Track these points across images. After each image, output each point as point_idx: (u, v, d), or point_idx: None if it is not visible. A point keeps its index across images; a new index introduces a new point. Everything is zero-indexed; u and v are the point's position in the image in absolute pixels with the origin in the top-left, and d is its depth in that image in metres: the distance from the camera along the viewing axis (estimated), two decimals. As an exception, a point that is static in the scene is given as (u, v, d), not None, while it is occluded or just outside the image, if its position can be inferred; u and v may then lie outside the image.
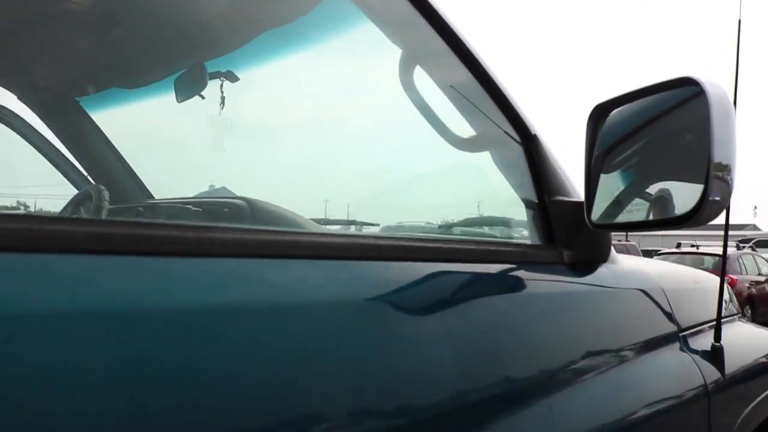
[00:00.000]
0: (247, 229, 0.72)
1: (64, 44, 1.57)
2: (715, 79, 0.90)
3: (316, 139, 1.35)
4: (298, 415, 0.60)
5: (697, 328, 1.48)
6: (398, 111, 1.18)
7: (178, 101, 1.63)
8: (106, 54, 1.61)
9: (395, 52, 1.13)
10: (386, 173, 1.21)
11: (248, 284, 0.63)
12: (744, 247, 16.23)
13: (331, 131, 1.33)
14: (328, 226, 1.46)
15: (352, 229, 1.30)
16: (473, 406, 0.81)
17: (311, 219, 1.57)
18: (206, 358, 0.55)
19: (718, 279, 1.86)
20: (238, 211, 1.56)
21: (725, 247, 1.51)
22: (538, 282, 1.03)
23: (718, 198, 0.89)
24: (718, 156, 0.87)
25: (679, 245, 14.68)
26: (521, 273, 1.00)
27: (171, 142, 1.67)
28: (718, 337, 1.45)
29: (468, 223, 1.21)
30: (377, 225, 1.27)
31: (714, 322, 1.58)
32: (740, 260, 11.86)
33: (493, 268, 0.97)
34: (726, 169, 0.87)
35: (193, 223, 0.63)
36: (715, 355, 1.43)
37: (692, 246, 13.56)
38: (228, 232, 0.66)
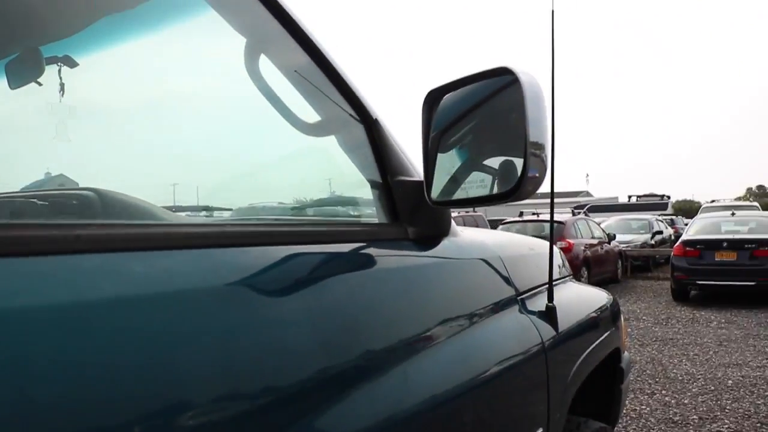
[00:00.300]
0: (101, 224, 0.71)
1: None
2: (529, 69, 1.01)
3: (164, 126, 1.34)
4: (167, 403, 0.62)
5: (532, 291, 1.63)
6: (246, 98, 1.20)
7: (11, 88, 1.55)
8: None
9: (241, 41, 1.15)
10: (237, 159, 1.23)
11: (107, 279, 0.64)
12: (579, 213, 17.58)
13: (179, 117, 1.32)
14: (181, 214, 1.46)
15: (205, 216, 1.30)
16: (336, 379, 0.85)
17: (163, 207, 1.55)
18: (67, 356, 0.55)
19: (546, 245, 2.04)
20: (87, 202, 1.50)
21: (552, 214, 1.67)
22: (387, 258, 1.10)
23: (536, 174, 1.00)
24: (533, 135, 0.97)
25: (521, 214, 15.73)
26: (371, 251, 1.07)
27: (6, 132, 1.57)
28: (551, 297, 1.60)
29: (318, 204, 1.26)
30: (230, 209, 1.29)
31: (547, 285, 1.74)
32: (575, 225, 12.79)
33: (345, 247, 1.03)
34: (541, 147, 0.98)
35: (50, 221, 0.62)
36: (550, 314, 1.59)
37: (533, 214, 14.50)
38: (79, 229, 0.66)
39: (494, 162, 1.12)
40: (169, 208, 1.50)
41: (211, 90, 1.22)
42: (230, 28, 1.13)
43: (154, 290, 0.67)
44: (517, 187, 0.99)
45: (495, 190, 1.07)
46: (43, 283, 0.58)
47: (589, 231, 13.37)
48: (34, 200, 1.54)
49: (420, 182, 1.18)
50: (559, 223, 12.01)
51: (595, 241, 13.15)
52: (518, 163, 1.04)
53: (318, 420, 0.79)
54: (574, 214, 15.51)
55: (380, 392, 0.92)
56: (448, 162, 1.16)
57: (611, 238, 14.11)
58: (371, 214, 1.23)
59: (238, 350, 0.72)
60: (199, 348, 0.67)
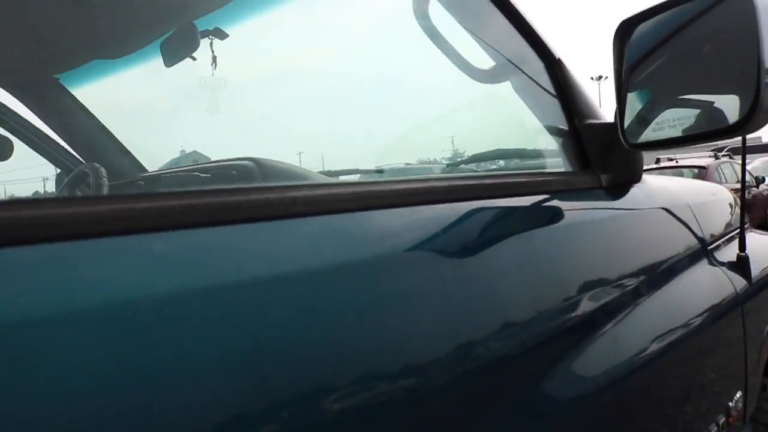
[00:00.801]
0: (258, 188, 0.65)
1: (36, 17, 1.48)
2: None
3: (322, 84, 1.29)
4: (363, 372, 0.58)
5: (720, 241, 1.48)
6: (412, 44, 1.13)
7: (166, 66, 1.56)
8: (83, 22, 1.52)
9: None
10: (404, 112, 1.17)
11: (277, 247, 0.59)
12: (721, 156, 16.11)
13: (337, 72, 1.27)
14: (347, 177, 1.42)
15: (376, 177, 1.26)
16: (545, 338, 0.79)
17: (323, 172, 1.53)
18: (250, 329, 0.50)
19: (727, 191, 1.86)
20: (246, 171, 1.50)
21: (744, 157, 1.50)
22: (582, 209, 1.01)
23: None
24: (768, 62, 0.83)
25: (657, 161, 14.50)
26: (563, 201, 0.98)
27: (164, 110, 1.60)
28: (742, 246, 1.45)
29: (498, 155, 1.18)
30: (401, 167, 1.23)
31: (733, 233, 1.58)
32: (719, 170, 11.74)
33: (535, 199, 0.94)
34: (773, 74, 0.84)
35: (213, 187, 0.58)
36: (742, 264, 1.44)
37: (669, 159, 13.38)
38: (236, 194, 0.61)
39: (703, 96, 0.99)
40: (331, 173, 1.48)
41: (373, 38, 1.16)
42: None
43: (373, 250, 0.62)
44: (747, 119, 0.86)
45: (713, 126, 0.94)
46: (275, 246, 0.55)
47: (734, 175, 12.24)
48: (197, 173, 1.56)
49: (611, 124, 1.07)
50: (701, 168, 11.07)
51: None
52: (734, 98, 0.91)
53: (533, 372, 0.73)
54: (717, 158, 14.06)
55: (591, 356, 0.85)
56: (643, 100, 1.04)
57: (759, 181, 12.78)
58: (557, 163, 1.13)
59: (458, 307, 0.69)
60: (380, 316, 0.61)
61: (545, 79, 1.07)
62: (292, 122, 1.40)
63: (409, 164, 1.33)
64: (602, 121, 1.08)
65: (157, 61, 1.56)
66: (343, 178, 1.56)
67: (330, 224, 0.63)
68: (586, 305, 0.89)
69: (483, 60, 1.10)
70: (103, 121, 1.85)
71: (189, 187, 0.57)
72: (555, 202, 0.97)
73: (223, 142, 1.68)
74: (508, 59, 1.09)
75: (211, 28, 1.52)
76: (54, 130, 1.79)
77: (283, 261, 0.55)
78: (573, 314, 0.86)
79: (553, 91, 1.07)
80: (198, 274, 0.49)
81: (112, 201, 0.50)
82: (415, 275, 0.66)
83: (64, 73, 1.75)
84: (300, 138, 1.40)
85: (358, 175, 1.49)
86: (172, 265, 0.49)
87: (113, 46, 1.63)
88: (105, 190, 1.47)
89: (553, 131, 1.11)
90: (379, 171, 1.46)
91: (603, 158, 1.07)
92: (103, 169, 1.50)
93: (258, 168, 1.48)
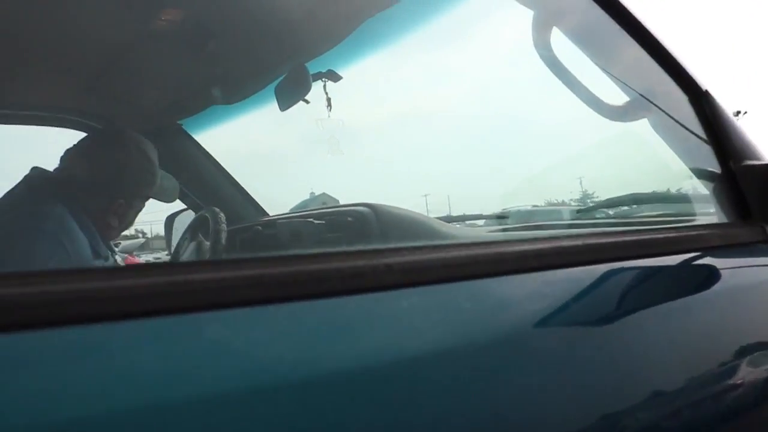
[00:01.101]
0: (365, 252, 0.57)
1: (159, 68, 1.52)
2: None
3: (442, 126, 1.21)
4: None
5: None
6: (534, 82, 1.02)
7: (281, 110, 1.54)
8: (202, 70, 1.54)
9: (525, 15, 0.98)
10: (529, 152, 1.06)
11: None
12: None
13: (452, 115, 1.19)
14: (469, 227, 1.34)
15: (493, 224, 1.15)
16: (706, 419, 0.66)
17: (445, 218, 1.45)
18: None
19: None
20: (361, 218, 1.45)
21: None
22: (742, 268, 0.85)
23: None
24: None
25: None
26: (720, 259, 0.83)
27: (280, 154, 1.58)
28: None
29: (635, 200, 1.03)
30: (527, 209, 1.12)
31: None
32: None
33: (685, 257, 0.80)
34: None
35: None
36: None
37: None
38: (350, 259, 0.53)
39: None
40: (447, 219, 1.39)
41: (491, 76, 1.06)
42: (512, 1, 0.97)
43: (506, 318, 0.57)
44: None
45: None
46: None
47: None
48: (311, 219, 1.53)
49: (776, 166, 0.90)
50: None
51: None
52: None
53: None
54: None
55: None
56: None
57: None
58: (707, 211, 0.97)
59: (599, 382, 0.59)
60: (557, 379, 0.55)
61: (690, 115, 0.92)
62: (412, 165, 1.33)
63: (536, 206, 1.21)
64: (765, 163, 0.91)
65: (272, 105, 1.54)
66: (464, 226, 1.47)
67: (452, 292, 0.55)
68: (749, 382, 0.74)
69: (614, 95, 0.97)
70: (224, 165, 1.88)
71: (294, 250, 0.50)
72: (709, 260, 0.82)
73: (341, 185, 1.64)
74: (644, 93, 0.95)
75: (323, 71, 1.49)
76: (176, 176, 1.83)
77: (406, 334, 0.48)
78: (734, 393, 0.72)
79: (700, 128, 0.92)
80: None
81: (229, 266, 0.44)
82: (551, 346, 0.57)
83: (187, 119, 1.79)
84: (422, 180, 1.32)
85: (482, 222, 1.39)
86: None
87: (231, 91, 1.64)
88: (223, 236, 1.47)
89: (702, 175, 0.95)
90: (504, 216, 1.36)
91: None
92: (222, 215, 1.50)
93: (374, 214, 1.42)
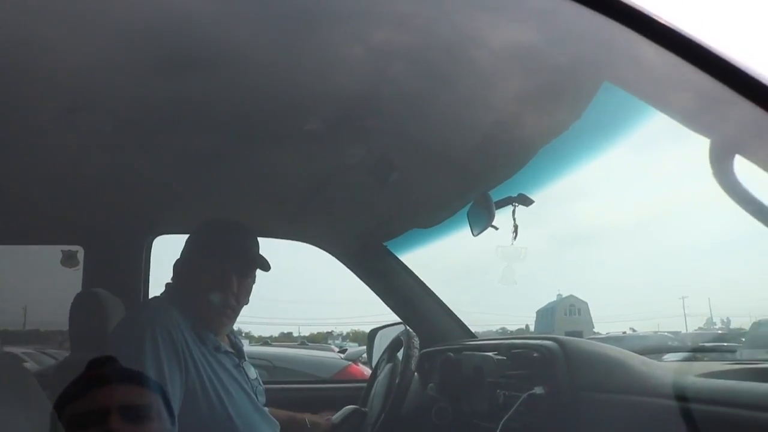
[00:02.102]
0: None
1: (360, 198, 1.60)
2: None
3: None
4: None
5: None
6: (720, 215, 0.86)
7: (474, 235, 1.51)
8: (400, 199, 1.59)
9: (700, 144, 0.84)
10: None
11: None
12: None
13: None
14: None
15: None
16: None
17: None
18: None
19: None
20: (548, 354, 1.33)
21: None
22: None
23: None
24: None
25: None
26: None
27: (471, 270, 1.54)
28: None
29: None
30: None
31: None
32: None
33: None
34: None
35: None
36: None
37: None
38: None
39: None
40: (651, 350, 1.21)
41: (672, 207, 0.91)
42: (686, 130, 0.85)
43: None
44: None
45: None
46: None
47: None
48: (491, 355, 1.44)
49: None
50: None
51: None
52: None
53: None
54: None
55: None
56: None
57: None
58: None
59: None
60: None
61: None
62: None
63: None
64: None
65: (465, 229, 1.52)
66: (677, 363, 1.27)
67: None
68: None
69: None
70: (427, 284, 1.89)
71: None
72: None
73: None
74: None
75: (515, 195, 1.44)
76: (379, 294, 1.88)
77: None
78: None
79: None
80: None
81: None
82: None
83: (390, 241, 1.85)
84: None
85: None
86: None
87: (425, 216, 1.67)
88: (414, 362, 1.45)
89: None
90: (731, 350, 1.15)
91: None
92: (416, 339, 1.49)
93: (561, 350, 1.30)
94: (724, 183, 0.83)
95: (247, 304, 1.34)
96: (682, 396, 1.03)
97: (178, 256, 1.34)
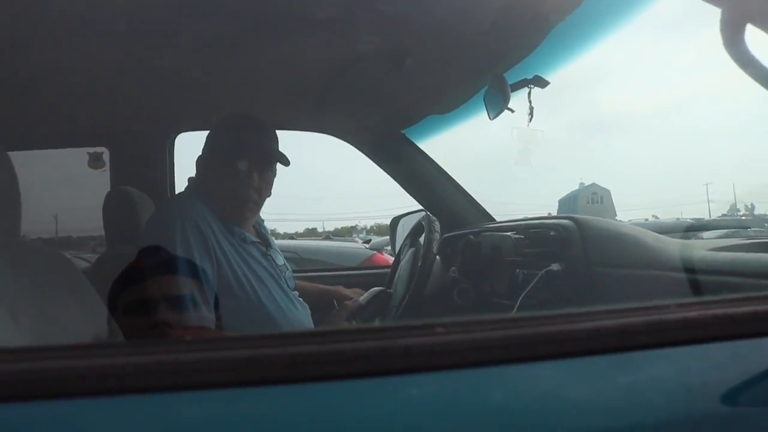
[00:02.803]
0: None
1: (377, 85, 1.59)
2: None
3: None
4: None
5: None
6: (744, 102, 0.85)
7: (490, 119, 1.51)
8: (415, 85, 1.58)
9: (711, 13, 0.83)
10: None
11: None
12: None
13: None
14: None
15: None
16: None
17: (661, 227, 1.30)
18: None
19: None
20: (564, 232, 1.36)
21: None
22: None
23: None
24: None
25: None
26: None
27: (493, 160, 1.55)
28: None
29: None
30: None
31: None
32: None
33: None
34: None
35: None
36: None
37: None
38: None
39: None
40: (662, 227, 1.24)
41: (695, 91, 0.91)
42: (707, 11, 0.83)
43: None
44: None
45: None
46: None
47: None
48: (509, 233, 1.48)
49: None
50: None
51: None
52: None
53: None
54: None
55: None
56: None
57: None
58: None
59: None
60: None
61: None
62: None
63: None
64: None
65: (482, 114, 1.52)
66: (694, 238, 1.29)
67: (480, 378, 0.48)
68: None
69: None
70: (446, 170, 1.91)
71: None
72: None
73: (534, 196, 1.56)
74: None
75: (530, 77, 1.42)
76: (399, 181, 1.91)
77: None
78: None
79: None
80: None
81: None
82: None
83: (408, 129, 1.85)
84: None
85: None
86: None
87: (443, 102, 1.66)
88: (435, 245, 1.48)
89: None
90: (744, 227, 1.17)
91: None
92: (437, 224, 1.52)
93: (576, 227, 1.32)
94: (735, 53, 0.83)
95: (269, 196, 1.38)
96: (691, 268, 1.06)
97: (200, 153, 1.37)
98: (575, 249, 1.30)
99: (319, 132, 1.88)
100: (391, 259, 2.78)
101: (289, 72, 1.51)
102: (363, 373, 0.43)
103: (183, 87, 1.50)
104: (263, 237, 1.40)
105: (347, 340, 0.45)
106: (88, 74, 1.34)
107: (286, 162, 1.36)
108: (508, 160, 1.69)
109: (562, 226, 1.35)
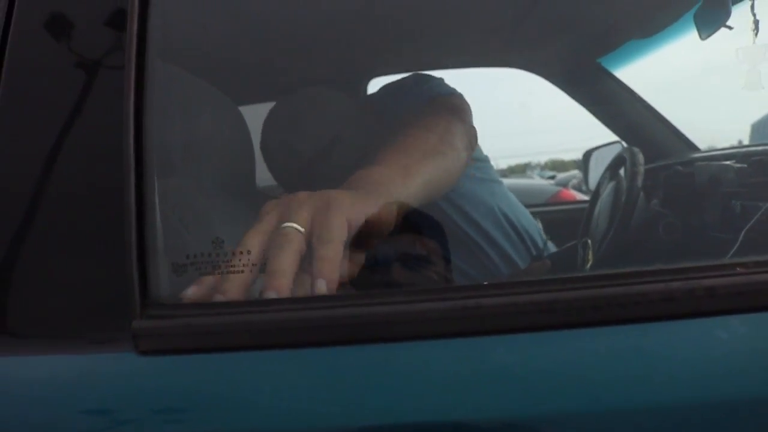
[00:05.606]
0: None
1: (573, 11, 1.52)
2: None
3: None
4: None
5: None
6: None
7: (701, 39, 1.39)
8: (612, 7, 1.48)
9: None
10: None
11: None
12: None
13: None
14: None
15: None
16: None
17: None
18: None
19: None
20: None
21: None
22: None
23: None
24: None
25: None
26: None
27: (703, 85, 1.44)
28: None
29: None
30: None
31: None
32: None
33: None
34: None
35: None
36: None
37: None
38: None
39: None
40: None
41: None
42: None
43: None
44: None
45: None
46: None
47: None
48: (728, 162, 1.36)
49: None
50: None
51: None
52: None
53: None
54: None
55: None
56: None
57: None
58: None
59: None
60: None
61: None
62: None
63: None
64: None
65: (692, 34, 1.40)
66: None
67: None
68: None
69: None
70: (647, 100, 1.80)
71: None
72: None
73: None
74: None
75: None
76: (595, 114, 1.83)
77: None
78: None
79: None
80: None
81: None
82: None
83: (604, 57, 1.75)
84: None
85: None
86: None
87: (644, 25, 1.54)
88: (640, 179, 1.43)
89: None
90: None
91: None
92: (640, 156, 1.46)
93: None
94: None
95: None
96: None
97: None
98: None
99: (509, 67, 1.84)
100: (578, 195, 2.70)
101: (483, 6, 1.48)
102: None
103: (379, 34, 1.52)
104: None
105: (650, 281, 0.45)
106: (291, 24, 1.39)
107: None
108: (709, 84, 1.55)
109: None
